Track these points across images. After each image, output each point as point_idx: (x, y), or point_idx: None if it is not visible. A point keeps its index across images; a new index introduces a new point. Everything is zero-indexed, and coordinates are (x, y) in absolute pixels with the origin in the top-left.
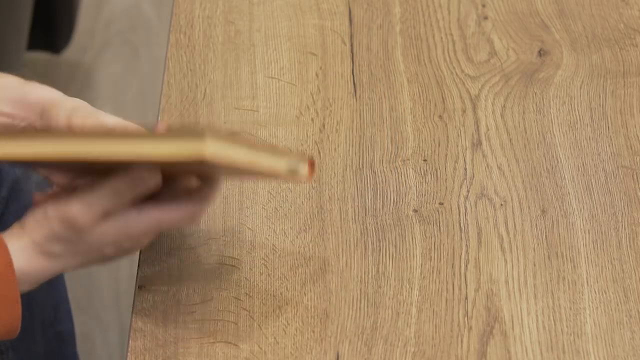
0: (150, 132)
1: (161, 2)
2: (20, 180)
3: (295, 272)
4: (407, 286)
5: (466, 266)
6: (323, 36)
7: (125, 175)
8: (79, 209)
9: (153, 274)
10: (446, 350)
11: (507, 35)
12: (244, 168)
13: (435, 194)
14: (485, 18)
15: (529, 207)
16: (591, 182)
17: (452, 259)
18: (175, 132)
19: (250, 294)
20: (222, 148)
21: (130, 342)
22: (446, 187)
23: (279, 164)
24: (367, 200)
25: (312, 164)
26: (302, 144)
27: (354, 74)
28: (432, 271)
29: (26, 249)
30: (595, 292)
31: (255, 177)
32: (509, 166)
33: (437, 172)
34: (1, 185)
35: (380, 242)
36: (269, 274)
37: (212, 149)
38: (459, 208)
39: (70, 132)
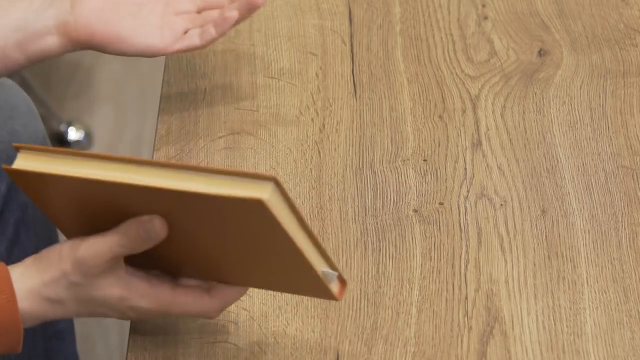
0: (211, 168)
1: None
2: None
3: None
4: (407, 286)
5: (466, 266)
6: (323, 36)
7: (135, 219)
8: (88, 250)
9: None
10: (446, 350)
11: (507, 35)
12: (284, 245)
13: (435, 194)
14: (485, 18)
15: (529, 207)
16: (591, 182)
17: (452, 259)
18: (237, 172)
19: (250, 294)
20: (279, 203)
21: (130, 342)
22: (446, 187)
23: (318, 263)
24: (367, 200)
25: (343, 284)
26: (302, 144)
27: (354, 74)
28: (432, 271)
29: (31, 293)
30: (595, 292)
31: (287, 283)
32: (509, 166)
33: (437, 172)
34: (1, 182)
35: (380, 242)
36: None
37: (268, 196)
38: (459, 208)
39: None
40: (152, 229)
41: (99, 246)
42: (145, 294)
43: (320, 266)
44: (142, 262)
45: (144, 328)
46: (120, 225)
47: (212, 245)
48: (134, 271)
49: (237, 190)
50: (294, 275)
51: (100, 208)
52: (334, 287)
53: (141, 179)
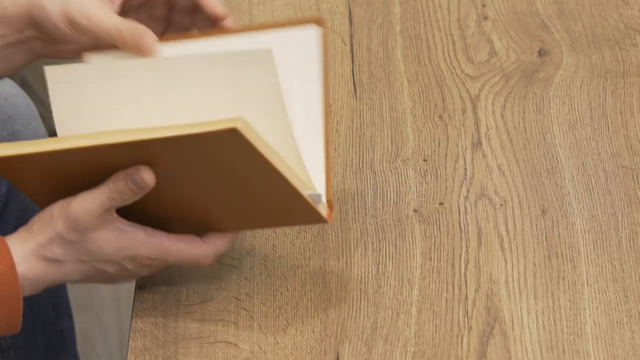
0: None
1: None
2: None
3: (295, 272)
4: (407, 286)
5: (466, 266)
6: None
7: (122, 172)
8: (79, 206)
9: (153, 274)
10: (446, 350)
11: (507, 35)
12: (265, 173)
13: (435, 194)
14: (485, 18)
15: (529, 207)
16: (591, 182)
17: (452, 259)
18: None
19: (250, 294)
20: (252, 132)
21: (130, 342)
22: (446, 187)
23: (302, 187)
24: (367, 200)
25: (330, 206)
26: None
27: (354, 74)
28: (432, 271)
29: (29, 255)
30: (595, 292)
31: (279, 215)
32: (509, 166)
33: (437, 172)
34: (0, 183)
35: (380, 242)
36: (269, 274)
37: (242, 125)
38: (459, 208)
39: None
40: (140, 180)
41: (89, 201)
42: (143, 241)
43: (304, 190)
44: (134, 220)
45: (145, 328)
46: (108, 179)
47: (197, 191)
48: (128, 222)
49: (211, 126)
50: (281, 205)
51: (83, 176)
52: (322, 209)
53: (119, 137)
